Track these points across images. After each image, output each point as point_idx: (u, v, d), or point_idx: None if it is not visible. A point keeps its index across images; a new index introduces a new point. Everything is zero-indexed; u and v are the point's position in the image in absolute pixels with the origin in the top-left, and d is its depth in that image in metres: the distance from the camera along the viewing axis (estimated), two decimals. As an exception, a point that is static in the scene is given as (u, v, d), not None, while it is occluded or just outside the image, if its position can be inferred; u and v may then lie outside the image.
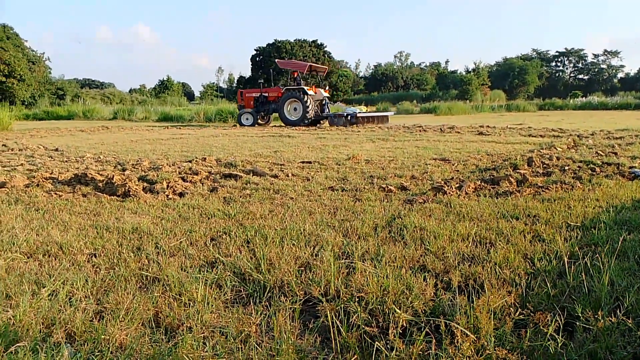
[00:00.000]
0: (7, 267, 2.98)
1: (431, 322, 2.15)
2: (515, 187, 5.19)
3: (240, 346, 2.04)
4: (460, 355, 1.73)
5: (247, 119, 21.32)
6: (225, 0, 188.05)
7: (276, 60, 22.13)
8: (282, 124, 21.47)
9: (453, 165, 6.95)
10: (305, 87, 21.02)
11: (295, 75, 21.59)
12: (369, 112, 24.35)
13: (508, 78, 71.43)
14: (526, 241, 3.28)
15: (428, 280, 2.60)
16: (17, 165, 7.59)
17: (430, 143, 10.45)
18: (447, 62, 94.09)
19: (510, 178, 5.42)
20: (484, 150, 8.84)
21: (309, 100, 20.59)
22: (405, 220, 3.81)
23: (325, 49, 64.65)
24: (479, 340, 1.83)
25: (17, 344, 2.00)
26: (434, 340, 1.90)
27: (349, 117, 19.79)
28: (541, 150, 8.34)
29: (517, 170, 6.08)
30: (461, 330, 1.80)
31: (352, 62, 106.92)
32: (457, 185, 5.26)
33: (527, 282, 2.58)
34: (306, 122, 20.56)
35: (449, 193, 4.88)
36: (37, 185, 5.65)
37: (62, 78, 63.49)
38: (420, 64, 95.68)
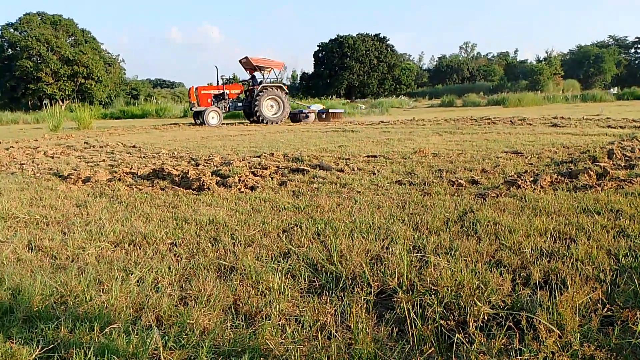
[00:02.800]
0: (97, 255, 3.21)
1: (511, 317, 2.10)
2: (595, 180, 4.93)
3: (316, 334, 2.10)
4: (545, 350, 1.68)
5: (212, 117, 19.88)
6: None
7: (248, 56, 20.51)
8: (245, 121, 21.23)
9: (526, 158, 6.69)
10: (282, 85, 21.05)
11: (253, 73, 21.24)
12: (324, 108, 23.53)
13: (582, 67, 67.44)
14: (609, 237, 3.11)
15: (505, 275, 2.54)
16: (99, 161, 8.11)
17: (501, 136, 10.10)
18: (516, 51, 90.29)
19: (589, 171, 5.15)
20: (559, 142, 8.43)
21: (287, 97, 20.52)
22: (478, 215, 3.72)
23: (388, 42, 63.91)
24: (564, 337, 1.77)
25: (111, 326, 2.16)
26: (517, 335, 1.86)
27: (320, 114, 20.90)
28: (622, 142, 7.84)
29: (597, 163, 5.76)
30: (545, 325, 1.75)
31: (416, 54, 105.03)
32: (532, 178, 5.06)
33: (612, 278, 2.46)
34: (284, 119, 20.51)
35: (523, 187, 4.71)
36: (119, 179, 6.02)
37: (135, 79, 67.03)
38: (487, 55, 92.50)
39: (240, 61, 21.28)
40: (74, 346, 1.98)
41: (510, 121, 14.43)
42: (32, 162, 8.30)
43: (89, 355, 1.87)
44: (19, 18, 48.43)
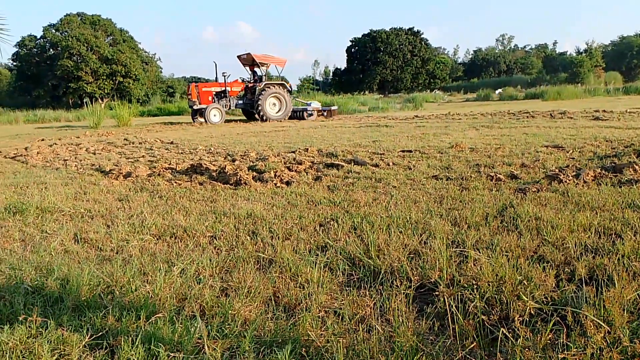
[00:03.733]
0: (140, 247, 3.31)
1: (556, 312, 2.06)
2: (642, 175, 4.75)
3: (356, 327, 2.10)
4: (593, 346, 1.64)
5: (214, 115, 19.06)
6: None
7: (250, 52, 19.56)
8: (243, 119, 20.56)
9: (567, 152, 6.50)
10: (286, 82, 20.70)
11: (254, 70, 20.64)
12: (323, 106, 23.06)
13: (625, 58, 64.94)
14: (658, 233, 3.00)
15: (548, 270, 2.48)
16: (139, 157, 8.33)
17: (540, 129, 9.84)
18: (555, 43, 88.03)
19: (634, 165, 4.96)
20: (602, 136, 8.15)
21: (289, 95, 20.09)
22: (519, 210, 3.65)
23: (422, 36, 63.10)
24: (612, 333, 1.72)
25: (156, 315, 2.22)
26: (564, 330, 1.82)
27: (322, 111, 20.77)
28: (671, 136, 7.52)
29: (643, 157, 5.55)
30: (593, 321, 1.70)
31: (450, 48, 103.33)
32: (574, 173, 4.92)
33: (662, 276, 2.37)
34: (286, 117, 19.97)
35: (565, 181, 4.58)
36: (159, 174, 6.17)
37: (171, 77, 68.25)
38: (524, 47, 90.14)
39: (239, 57, 20.54)
40: (121, 334, 2.05)
41: (550, 115, 14.04)
42: (75, 158, 8.59)
43: (136, 343, 1.93)
44: (60, 19, 50.14)
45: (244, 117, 22.13)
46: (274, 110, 19.92)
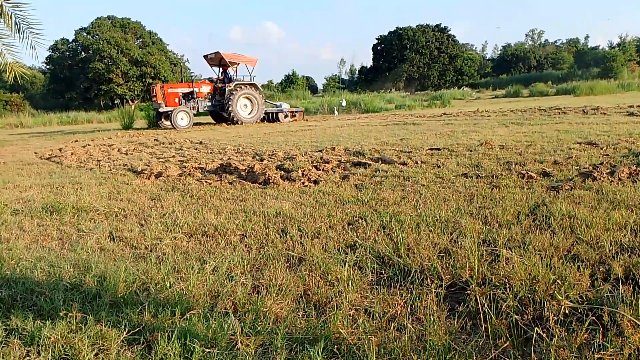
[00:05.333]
0: (173, 245, 3.38)
1: (591, 312, 2.02)
2: (681, 172, 4.60)
3: (387, 325, 2.11)
4: (630, 346, 1.61)
5: (182, 118, 17.78)
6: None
7: (219, 51, 18.20)
8: (213, 122, 19.67)
9: (601, 149, 6.34)
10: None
11: (227, 70, 19.52)
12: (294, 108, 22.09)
13: (661, 52, 62.73)
14: (699, 231, 2.91)
15: (582, 270, 2.44)
16: (169, 157, 8.48)
17: (573, 126, 9.61)
18: (586, 37, 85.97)
19: (673, 162, 4.82)
20: (637, 132, 7.91)
21: (261, 96, 19.20)
22: (552, 208, 3.58)
23: (449, 32, 62.34)
24: (652, 334, 1.69)
25: (190, 312, 2.27)
26: (600, 330, 1.79)
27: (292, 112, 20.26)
28: None
29: (682, 154, 5.37)
30: (631, 320, 1.67)
31: (479, 44, 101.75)
32: (608, 170, 4.80)
33: None
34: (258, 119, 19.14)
35: (600, 179, 4.47)
36: (189, 174, 6.27)
37: (199, 77, 69.14)
38: (555, 42, 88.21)
39: (205, 57, 19.40)
40: (157, 330, 2.10)
41: (583, 110, 13.70)
42: (108, 158, 8.81)
43: (172, 339, 1.98)
44: (91, 22, 51.48)
45: (213, 120, 21.21)
46: (246, 112, 18.94)
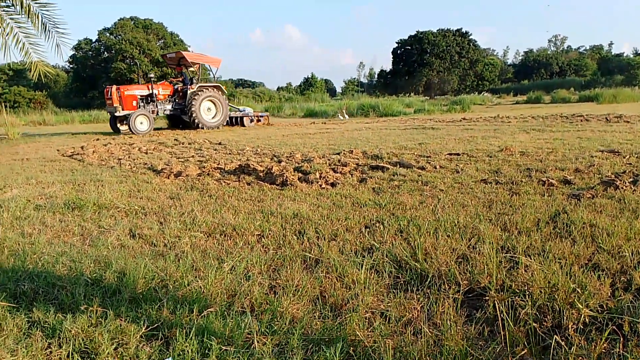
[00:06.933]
0: (191, 243, 3.42)
1: (611, 321, 1.99)
2: None
3: (403, 329, 2.10)
4: (653, 359, 1.58)
5: (141, 122, 16.12)
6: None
7: (180, 51, 16.85)
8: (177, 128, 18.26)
9: (624, 157, 6.23)
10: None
11: (183, 70, 18.25)
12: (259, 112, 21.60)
13: (688, 59, 61.39)
14: None
15: (603, 279, 2.40)
16: (189, 157, 8.57)
17: (595, 134, 9.46)
18: (610, 44, 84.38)
19: (699, 172, 4.71)
20: (662, 141, 7.77)
21: (225, 99, 17.98)
22: (572, 216, 3.54)
23: (470, 37, 61.87)
24: (675, 346, 1.65)
25: (208, 310, 2.29)
26: (621, 339, 1.76)
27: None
28: None
29: None
30: (654, 332, 1.64)
31: (500, 49, 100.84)
32: (631, 179, 4.71)
33: None
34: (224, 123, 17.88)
35: (622, 188, 4.40)
36: (208, 174, 6.33)
37: (219, 79, 69.73)
38: (578, 48, 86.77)
39: (164, 56, 18.07)
40: (176, 326, 2.13)
41: (606, 118, 13.47)
42: (129, 157, 8.94)
43: (190, 335, 2.01)
44: (114, 23, 52.25)
45: (170, 125, 19.79)
46: (209, 116, 17.52)
